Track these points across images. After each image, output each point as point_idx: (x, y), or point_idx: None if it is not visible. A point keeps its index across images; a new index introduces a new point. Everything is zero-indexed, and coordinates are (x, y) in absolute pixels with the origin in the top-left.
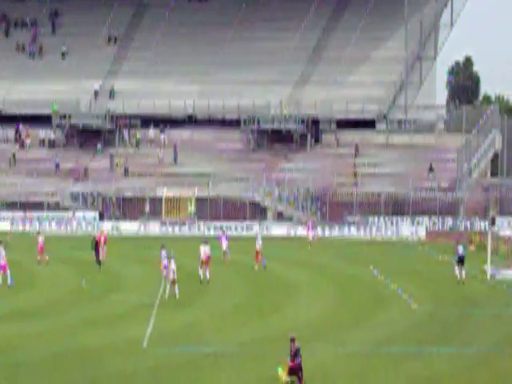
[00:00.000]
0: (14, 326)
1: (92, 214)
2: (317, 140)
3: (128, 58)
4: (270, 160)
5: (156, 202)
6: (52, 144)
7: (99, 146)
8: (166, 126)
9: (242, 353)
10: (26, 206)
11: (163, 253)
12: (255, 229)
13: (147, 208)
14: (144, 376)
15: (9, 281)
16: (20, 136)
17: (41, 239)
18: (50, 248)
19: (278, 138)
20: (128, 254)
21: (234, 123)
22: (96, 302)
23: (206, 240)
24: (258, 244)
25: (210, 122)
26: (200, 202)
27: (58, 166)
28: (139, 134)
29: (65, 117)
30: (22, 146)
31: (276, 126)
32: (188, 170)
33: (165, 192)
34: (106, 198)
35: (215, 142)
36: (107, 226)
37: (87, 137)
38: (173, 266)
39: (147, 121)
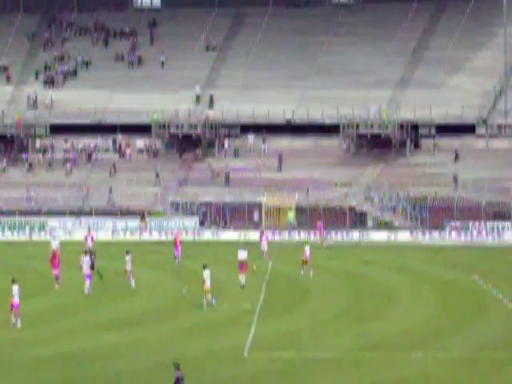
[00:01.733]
0: (114, 335)
1: (192, 223)
2: (416, 145)
3: (226, 66)
4: (369, 165)
5: (255, 210)
6: (152, 153)
7: (199, 154)
8: (266, 135)
9: (343, 359)
10: (126, 215)
11: (206, 272)
12: (355, 235)
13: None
14: (245, 383)
15: (86, 291)
16: (120, 146)
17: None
18: (151, 256)
19: (377, 144)
20: (230, 261)
21: (333, 129)
22: (196, 309)
23: (242, 246)
24: (306, 252)
25: (309, 128)
26: (300, 209)
27: (158, 174)
28: (238, 141)
29: (164, 126)
30: (123, 155)
31: (375, 131)
32: (287, 177)
33: (264, 200)
34: (207, 207)
35: (314, 148)
36: (207, 234)
37: (186, 145)
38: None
39: (246, 128)
